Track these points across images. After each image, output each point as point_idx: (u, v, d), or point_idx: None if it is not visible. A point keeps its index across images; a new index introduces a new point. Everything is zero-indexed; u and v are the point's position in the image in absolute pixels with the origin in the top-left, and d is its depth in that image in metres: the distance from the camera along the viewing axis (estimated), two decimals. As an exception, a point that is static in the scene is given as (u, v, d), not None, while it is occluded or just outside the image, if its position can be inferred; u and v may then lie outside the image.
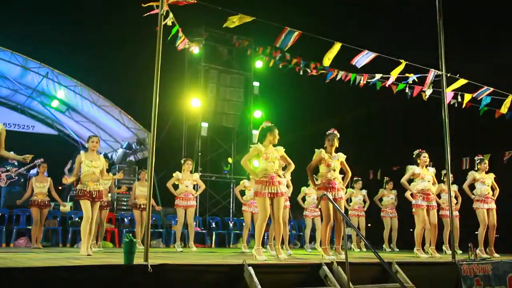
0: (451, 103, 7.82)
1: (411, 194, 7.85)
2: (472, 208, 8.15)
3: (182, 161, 8.47)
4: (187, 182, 8.31)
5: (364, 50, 6.86)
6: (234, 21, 5.94)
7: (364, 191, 10.79)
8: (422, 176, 7.43)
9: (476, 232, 8.01)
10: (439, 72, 6.91)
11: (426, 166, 7.56)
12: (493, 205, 8.00)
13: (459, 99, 7.96)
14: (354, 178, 10.84)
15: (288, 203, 8.25)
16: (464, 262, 6.08)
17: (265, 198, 5.77)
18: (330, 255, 5.99)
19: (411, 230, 8.64)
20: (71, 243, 10.08)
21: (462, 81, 7.33)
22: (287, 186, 7.90)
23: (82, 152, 6.58)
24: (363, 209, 10.63)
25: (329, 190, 6.17)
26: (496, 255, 7.80)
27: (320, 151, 6.33)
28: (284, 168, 6.56)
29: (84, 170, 6.40)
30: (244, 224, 9.22)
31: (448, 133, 6.56)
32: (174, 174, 8.38)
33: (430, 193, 7.44)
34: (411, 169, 7.51)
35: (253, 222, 8.93)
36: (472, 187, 8.19)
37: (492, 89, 7.63)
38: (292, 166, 6.21)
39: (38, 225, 8.80)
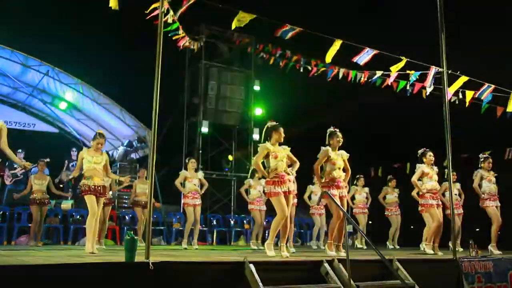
0: (452, 100, 7.80)
1: (418, 193, 7.80)
2: (475, 206, 8.14)
3: (187, 160, 8.49)
4: (195, 180, 8.35)
5: (365, 47, 6.86)
6: (240, 21, 5.92)
7: (366, 189, 10.81)
8: (430, 175, 7.43)
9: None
10: (440, 69, 6.90)
11: (431, 165, 7.56)
12: (498, 203, 8.00)
13: (460, 96, 7.94)
14: (357, 176, 10.85)
15: (295, 201, 8.27)
16: (465, 259, 6.08)
17: (280, 196, 5.78)
18: (333, 251, 6.01)
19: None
20: (72, 241, 10.09)
21: (463, 79, 7.32)
22: None
23: (84, 148, 6.57)
24: (366, 207, 10.65)
25: (334, 188, 6.20)
26: (498, 251, 7.79)
27: (327, 149, 6.33)
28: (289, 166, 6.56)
29: (85, 166, 6.37)
30: (254, 222, 9.28)
31: (450, 131, 6.55)
32: (181, 173, 8.37)
33: (437, 191, 7.46)
34: (420, 167, 7.48)
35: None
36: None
37: (493, 86, 7.62)
38: (298, 164, 6.20)
39: (37, 223, 8.81)
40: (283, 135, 6.00)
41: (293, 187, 6.07)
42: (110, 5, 5.31)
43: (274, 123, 6.11)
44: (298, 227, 12.83)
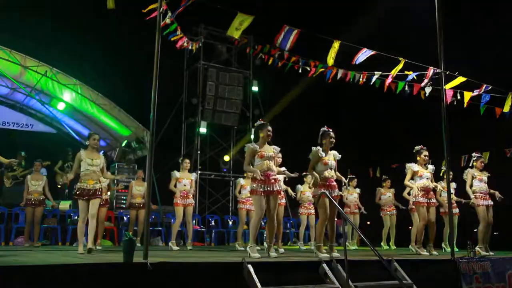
0: (451, 100, 7.81)
1: (408, 193, 7.80)
2: (470, 206, 8.14)
3: (180, 160, 8.43)
4: (186, 181, 8.30)
5: (363, 48, 6.87)
6: (238, 29, 5.91)
7: (358, 189, 10.79)
8: (420, 173, 7.42)
9: (475, 230, 7.99)
10: (438, 70, 6.91)
11: (425, 164, 7.55)
12: (491, 202, 7.98)
13: (459, 97, 7.96)
14: (349, 176, 10.84)
15: (284, 201, 8.22)
16: (463, 260, 6.08)
17: (261, 196, 5.73)
18: (324, 253, 5.97)
19: (410, 228, 8.65)
20: (70, 241, 10.07)
21: (460, 79, 7.34)
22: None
23: (82, 150, 6.51)
24: (357, 207, 10.64)
25: (326, 188, 6.15)
26: (491, 252, 7.77)
27: (318, 149, 6.25)
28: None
29: (83, 168, 6.32)
30: (239, 221, 9.20)
31: (447, 131, 6.56)
32: (172, 174, 8.30)
33: (429, 190, 7.43)
34: (410, 167, 7.49)
35: (248, 219, 8.96)
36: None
37: (491, 86, 7.64)
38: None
39: (31, 223, 8.76)
40: (270, 134, 5.95)
41: (279, 187, 5.99)
42: (108, 7, 5.31)
43: (261, 122, 6.08)
44: (297, 227, 12.81)
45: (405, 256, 6.60)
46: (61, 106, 13.58)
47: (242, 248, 8.36)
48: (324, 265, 4.85)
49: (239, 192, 9.04)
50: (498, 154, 11.10)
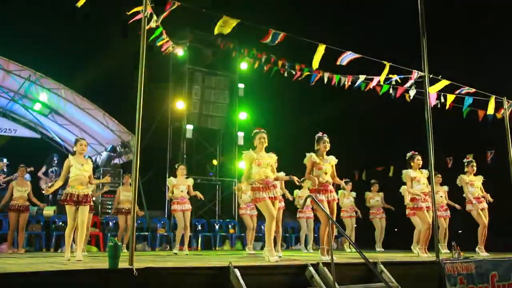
0: (435, 103, 7.91)
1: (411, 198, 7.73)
2: (458, 209, 8.25)
3: (176, 166, 8.53)
4: (182, 187, 8.35)
5: (348, 51, 6.93)
6: (223, 26, 5.93)
7: (353, 193, 10.87)
8: (417, 178, 7.49)
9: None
10: (422, 74, 6.99)
11: (419, 168, 7.62)
12: (484, 205, 8.11)
13: (442, 100, 8.06)
14: (344, 180, 10.89)
15: (282, 204, 8.30)
16: (448, 261, 6.15)
17: (267, 201, 5.83)
18: (327, 256, 6.02)
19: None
20: (55, 247, 9.94)
21: (444, 82, 7.44)
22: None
23: (70, 156, 6.43)
24: (354, 210, 10.72)
25: (322, 193, 6.22)
26: (485, 253, 7.84)
27: (311, 155, 6.34)
28: None
29: (73, 174, 6.24)
30: (247, 227, 9.24)
31: (432, 134, 6.62)
32: (168, 181, 8.31)
33: (426, 194, 7.50)
34: (407, 174, 7.52)
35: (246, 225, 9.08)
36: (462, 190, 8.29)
37: (473, 89, 7.75)
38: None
39: (15, 230, 8.64)
40: (264, 141, 6.03)
41: (278, 193, 6.14)
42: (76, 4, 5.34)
43: (257, 130, 6.15)
44: (284, 231, 12.83)
45: (391, 258, 6.64)
46: (37, 106, 13.40)
47: (253, 252, 8.49)
48: (311, 268, 4.87)
49: (240, 197, 9.09)
50: (480, 157, 11.24)
